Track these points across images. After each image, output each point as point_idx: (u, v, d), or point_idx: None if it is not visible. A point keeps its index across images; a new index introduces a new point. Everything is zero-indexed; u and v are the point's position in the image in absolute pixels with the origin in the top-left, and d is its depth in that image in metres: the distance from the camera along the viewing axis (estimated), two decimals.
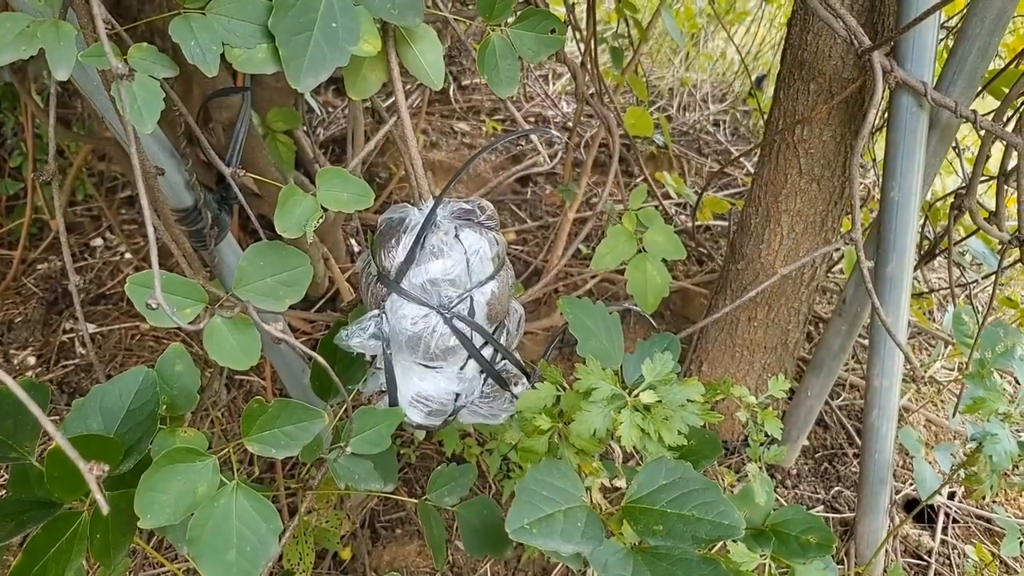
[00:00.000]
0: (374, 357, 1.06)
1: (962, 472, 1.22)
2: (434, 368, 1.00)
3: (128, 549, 0.92)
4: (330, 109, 2.86)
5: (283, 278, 0.92)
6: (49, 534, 0.85)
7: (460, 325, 0.95)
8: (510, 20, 0.91)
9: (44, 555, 0.84)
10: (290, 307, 1.99)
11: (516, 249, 2.39)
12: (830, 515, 1.73)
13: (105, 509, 0.58)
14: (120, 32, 0.79)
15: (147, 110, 0.72)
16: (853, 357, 2.18)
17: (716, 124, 3.20)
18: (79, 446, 0.84)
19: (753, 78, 3.18)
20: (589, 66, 1.73)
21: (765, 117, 1.52)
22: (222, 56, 0.78)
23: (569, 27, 1.83)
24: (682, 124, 3.14)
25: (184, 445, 0.86)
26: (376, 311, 0.96)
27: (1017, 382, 1.26)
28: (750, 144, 3.04)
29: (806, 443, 1.88)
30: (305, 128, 2.00)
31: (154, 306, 0.61)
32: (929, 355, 2.20)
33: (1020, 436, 1.13)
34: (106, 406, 0.90)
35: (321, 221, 0.90)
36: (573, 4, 1.83)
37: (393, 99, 0.93)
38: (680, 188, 2.26)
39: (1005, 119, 1.27)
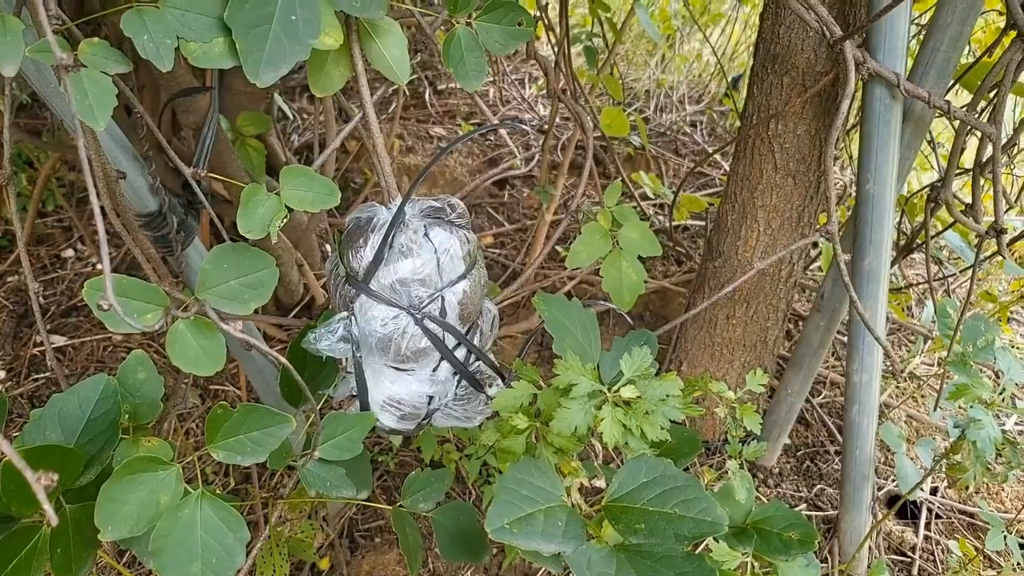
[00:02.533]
0: (345, 361, 1.03)
1: (945, 462, 1.21)
2: (405, 370, 0.97)
3: (92, 564, 0.89)
4: (304, 116, 2.83)
5: (247, 280, 0.89)
6: (6, 549, 0.81)
7: (431, 326, 0.93)
8: (476, 12, 0.89)
9: (1, 571, 0.81)
10: (264, 313, 1.95)
11: (493, 252, 2.37)
12: (813, 513, 1.72)
13: (54, 521, 0.55)
14: (71, 27, 0.76)
15: (99, 106, 0.70)
16: (833, 354, 2.18)
17: (693, 125, 3.20)
18: (37, 457, 0.80)
19: (729, 79, 3.18)
20: (563, 65, 1.71)
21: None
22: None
23: (544, 29, 1.82)
24: (659, 125, 3.13)
25: (146, 454, 0.84)
26: (345, 313, 0.94)
27: (997, 375, 1.26)
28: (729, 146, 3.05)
29: (788, 441, 1.87)
30: (279, 134, 1.97)
31: (105, 307, 0.59)
32: (909, 351, 2.20)
33: (1003, 425, 1.12)
34: (65, 416, 0.87)
35: (286, 221, 0.87)
36: (546, 4, 1.82)
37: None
38: (657, 188, 2.26)
39: (979, 110, 1.26)
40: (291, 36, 0.76)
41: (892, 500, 1.79)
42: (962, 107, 1.19)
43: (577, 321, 0.99)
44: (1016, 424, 1.96)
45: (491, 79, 3.21)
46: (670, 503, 0.80)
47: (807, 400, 1.98)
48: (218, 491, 1.04)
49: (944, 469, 1.22)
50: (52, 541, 0.84)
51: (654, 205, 2.58)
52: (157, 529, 0.81)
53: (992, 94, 1.25)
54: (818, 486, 1.79)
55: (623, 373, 0.89)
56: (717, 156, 2.96)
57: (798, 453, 1.87)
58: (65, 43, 0.71)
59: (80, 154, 0.56)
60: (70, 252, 2.33)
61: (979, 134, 1.25)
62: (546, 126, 2.94)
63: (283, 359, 0.81)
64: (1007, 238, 1.21)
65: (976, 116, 1.23)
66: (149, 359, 0.94)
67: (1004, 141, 1.27)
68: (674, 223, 2.36)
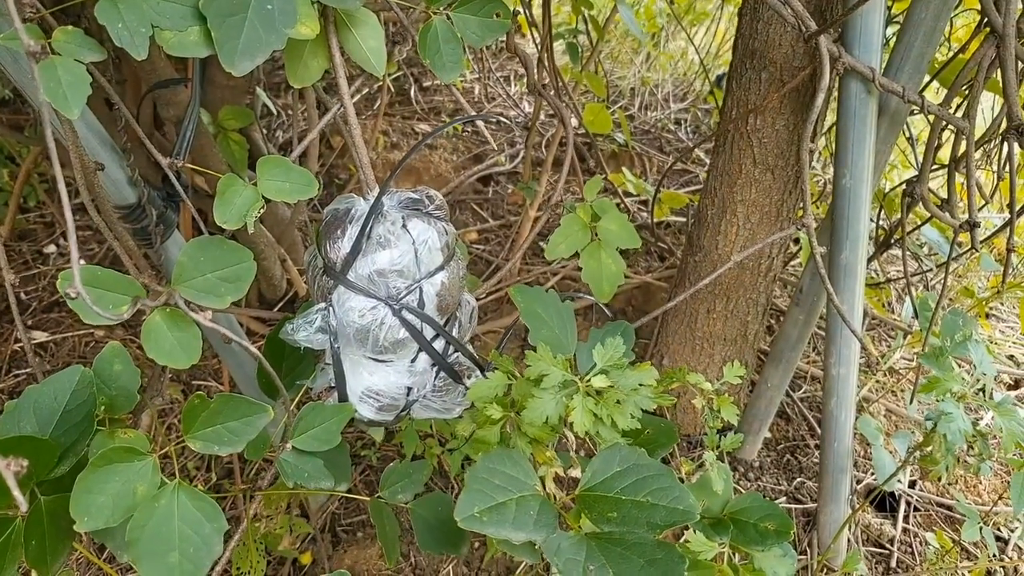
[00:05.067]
0: (323, 352, 1.03)
1: (918, 454, 1.23)
2: (384, 362, 0.98)
3: (67, 556, 0.89)
4: (289, 112, 2.82)
5: (224, 274, 0.89)
6: None
7: (409, 317, 0.93)
8: (453, 4, 0.89)
9: None
10: (247, 308, 1.94)
11: (478, 248, 2.38)
12: (793, 506, 1.74)
13: (23, 507, 0.55)
14: (46, 16, 0.76)
15: (72, 94, 0.70)
16: (814, 349, 2.19)
17: (677, 123, 3.21)
18: (9, 448, 0.80)
19: (713, 77, 3.20)
20: (546, 61, 1.72)
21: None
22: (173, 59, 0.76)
23: (527, 25, 1.82)
24: (643, 123, 3.15)
25: (122, 444, 0.83)
26: (323, 304, 0.94)
27: (974, 368, 1.28)
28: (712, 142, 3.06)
29: (768, 435, 1.88)
30: (264, 130, 1.97)
31: (73, 295, 0.59)
32: (889, 346, 2.22)
33: (981, 420, 1.14)
34: (40, 407, 0.87)
35: (262, 211, 0.87)
36: (530, 0, 1.83)
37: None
38: (639, 186, 2.26)
39: (954, 105, 1.28)
40: (267, 25, 0.76)
41: (871, 493, 1.81)
42: (938, 104, 1.20)
43: (553, 312, 0.99)
44: (993, 419, 1.98)
45: (476, 76, 3.22)
46: (643, 492, 0.80)
47: (787, 394, 2.00)
48: (199, 486, 1.03)
49: (917, 461, 1.23)
50: (26, 533, 0.83)
51: (637, 202, 2.59)
52: (133, 519, 0.80)
53: (966, 89, 1.26)
54: (798, 479, 1.80)
55: (596, 363, 0.90)
56: (701, 153, 2.98)
57: (778, 447, 1.89)
58: (38, 31, 0.71)
59: (48, 144, 0.56)
60: (52, 248, 2.32)
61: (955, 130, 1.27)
62: (530, 123, 2.95)
63: (256, 351, 0.81)
64: (980, 233, 1.22)
65: (952, 112, 1.24)
66: (125, 350, 0.94)
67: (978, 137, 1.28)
68: (656, 219, 2.37)
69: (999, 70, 1.11)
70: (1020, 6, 1.10)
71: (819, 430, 1.91)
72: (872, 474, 1.83)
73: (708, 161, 2.88)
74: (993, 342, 2.29)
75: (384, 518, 1.08)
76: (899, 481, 1.80)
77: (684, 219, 2.52)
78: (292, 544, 1.47)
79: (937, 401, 1.19)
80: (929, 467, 1.13)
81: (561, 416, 0.84)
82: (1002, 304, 2.45)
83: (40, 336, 2.03)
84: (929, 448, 1.15)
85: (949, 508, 1.78)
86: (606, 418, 0.83)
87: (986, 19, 1.10)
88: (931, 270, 2.15)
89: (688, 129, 3.17)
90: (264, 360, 0.82)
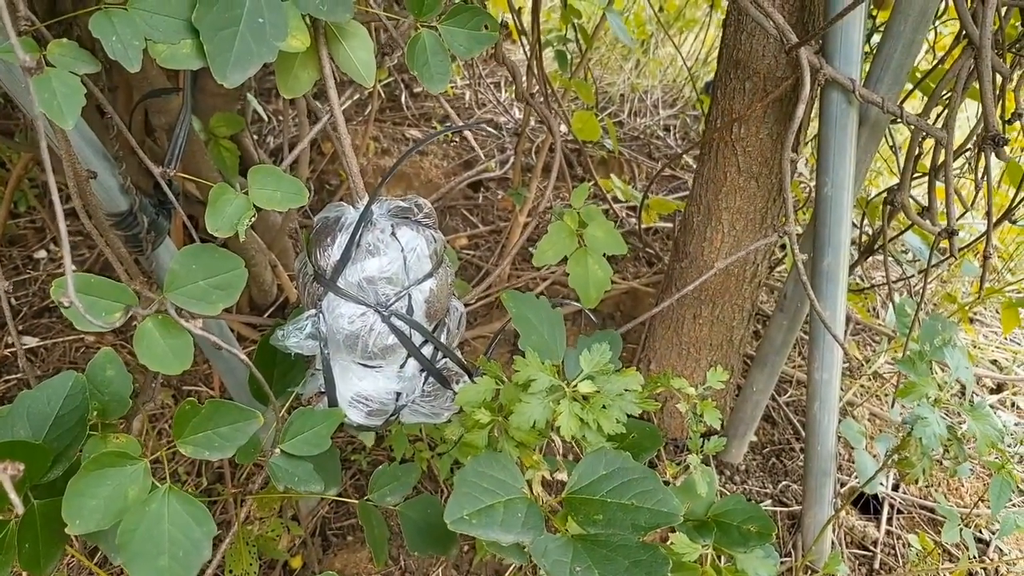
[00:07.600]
0: (314, 358, 1.05)
1: (895, 458, 1.25)
2: (373, 367, 0.99)
3: (60, 559, 0.90)
4: (280, 118, 2.84)
5: (216, 281, 0.90)
6: None
7: (398, 323, 0.95)
8: (441, 16, 0.91)
9: None
10: (238, 313, 1.95)
11: (468, 254, 2.40)
12: (778, 509, 1.76)
13: (19, 509, 0.57)
14: (41, 28, 0.77)
15: (67, 105, 0.71)
16: (799, 354, 2.22)
17: (667, 129, 3.24)
18: (3, 453, 0.81)
19: (702, 84, 3.23)
20: (535, 69, 1.74)
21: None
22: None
23: (517, 33, 1.84)
24: (632, 129, 3.17)
25: (114, 449, 0.85)
26: (313, 311, 0.96)
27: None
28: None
29: (754, 439, 1.90)
30: (256, 137, 1.98)
31: (67, 304, 0.60)
32: (874, 351, 2.25)
33: (955, 420, 1.16)
34: (33, 412, 0.88)
35: (254, 220, 0.89)
36: (519, 8, 1.85)
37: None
38: (627, 192, 2.29)
39: (934, 116, 1.30)
40: (258, 38, 0.78)
41: (856, 496, 1.83)
42: (917, 114, 1.23)
43: (544, 319, 1.01)
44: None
45: (467, 82, 3.24)
46: (628, 495, 0.82)
47: (773, 398, 2.02)
48: (190, 490, 1.05)
49: (895, 464, 1.25)
50: (20, 536, 0.85)
51: (626, 208, 2.62)
52: (124, 523, 0.82)
53: (946, 100, 1.29)
54: (783, 482, 1.82)
55: (583, 369, 0.91)
56: (689, 160, 3.00)
57: (764, 450, 1.91)
58: (33, 44, 0.72)
59: (41, 153, 0.58)
60: (43, 253, 2.32)
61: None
62: (520, 129, 2.96)
63: (245, 357, 0.82)
64: (958, 239, 1.24)
65: (931, 121, 1.27)
66: (118, 356, 0.95)
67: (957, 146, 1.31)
68: (645, 226, 2.39)
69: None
70: (997, 17, 1.13)
71: (804, 434, 1.93)
72: (856, 477, 1.86)
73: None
74: (976, 347, 2.32)
75: (372, 520, 1.09)
76: (882, 484, 1.82)
77: (672, 225, 2.54)
78: (288, 544, 1.48)
79: (914, 405, 1.22)
80: (906, 470, 1.15)
81: (548, 420, 0.86)
82: (985, 309, 2.48)
83: (31, 341, 2.03)
84: (906, 452, 1.17)
85: (931, 510, 1.81)
86: (592, 423, 0.85)
87: (964, 31, 1.13)
88: (913, 276, 2.18)
89: (677, 136, 3.19)
90: (254, 367, 0.83)
